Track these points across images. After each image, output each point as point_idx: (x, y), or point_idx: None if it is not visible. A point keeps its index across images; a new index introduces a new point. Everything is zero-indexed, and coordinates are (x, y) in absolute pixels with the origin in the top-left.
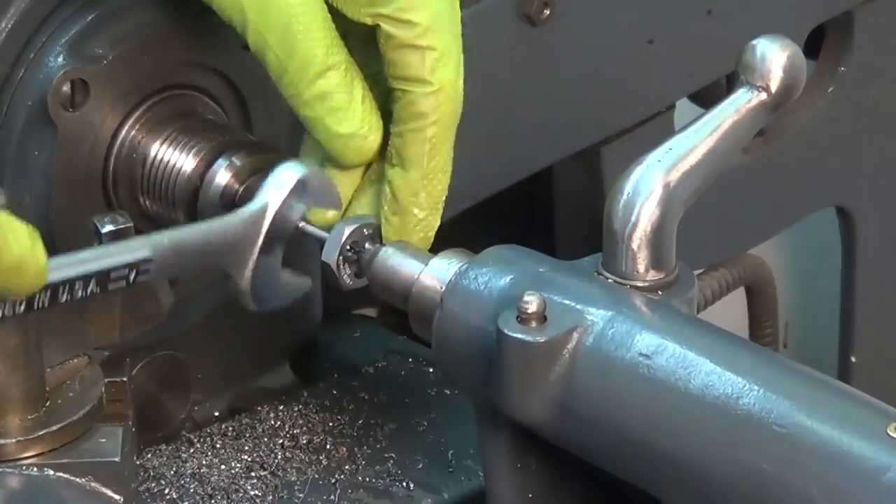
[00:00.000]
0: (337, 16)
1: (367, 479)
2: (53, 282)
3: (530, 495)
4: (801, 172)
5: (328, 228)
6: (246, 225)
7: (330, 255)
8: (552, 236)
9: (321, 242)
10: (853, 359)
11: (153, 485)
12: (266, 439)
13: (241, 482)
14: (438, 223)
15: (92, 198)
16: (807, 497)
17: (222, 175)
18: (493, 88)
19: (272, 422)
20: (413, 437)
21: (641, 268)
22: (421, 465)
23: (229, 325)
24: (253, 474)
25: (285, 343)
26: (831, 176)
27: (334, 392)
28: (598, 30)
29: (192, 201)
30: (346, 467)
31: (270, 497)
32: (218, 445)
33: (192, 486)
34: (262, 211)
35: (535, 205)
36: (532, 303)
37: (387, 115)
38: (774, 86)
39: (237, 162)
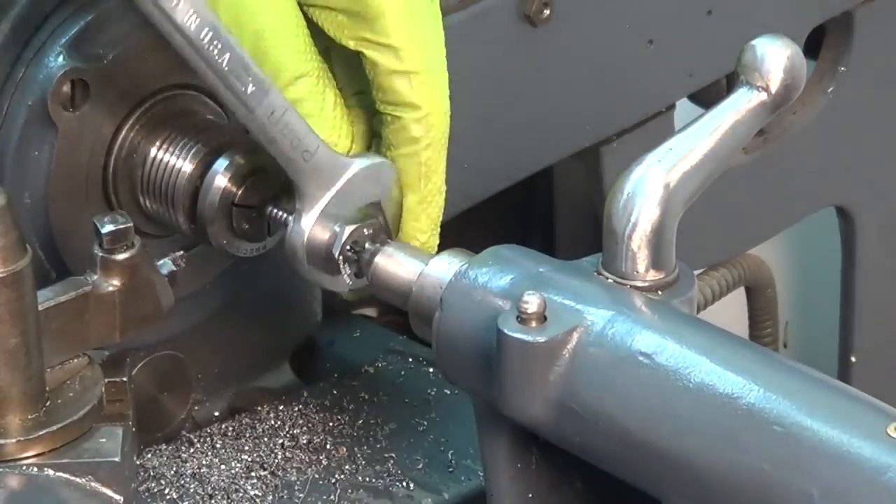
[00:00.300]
0: (321, 33)
1: (367, 479)
2: None
3: (530, 495)
4: (801, 172)
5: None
6: (332, 160)
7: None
8: (552, 236)
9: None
10: (853, 359)
11: (153, 485)
12: (266, 439)
13: (241, 482)
14: (437, 242)
15: (92, 198)
16: (807, 497)
17: (222, 175)
18: (493, 88)
19: (272, 422)
20: (413, 437)
21: (641, 268)
22: (421, 465)
23: (229, 325)
24: (253, 474)
25: (285, 343)
26: (831, 176)
27: (334, 392)
28: (598, 30)
29: (192, 201)
30: (346, 467)
31: (270, 497)
32: (218, 445)
33: (192, 486)
34: (348, 164)
35: (535, 205)
36: (532, 303)
37: (371, 135)
38: (774, 86)
39: (237, 162)
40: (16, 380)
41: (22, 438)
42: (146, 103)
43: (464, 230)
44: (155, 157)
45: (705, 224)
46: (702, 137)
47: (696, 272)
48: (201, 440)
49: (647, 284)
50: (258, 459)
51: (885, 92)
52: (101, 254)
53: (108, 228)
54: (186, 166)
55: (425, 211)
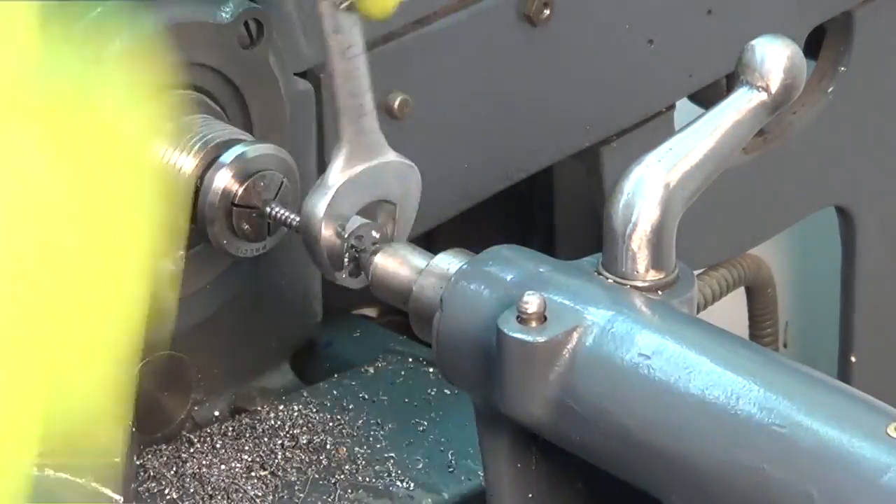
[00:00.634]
0: None
1: (367, 479)
2: None
3: (530, 495)
4: (801, 172)
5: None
6: (377, 133)
7: None
8: (552, 236)
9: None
10: (853, 359)
11: (153, 485)
12: (266, 439)
13: (241, 482)
14: None
15: None
16: (807, 497)
17: (222, 175)
18: (493, 88)
19: (272, 422)
20: (413, 437)
21: (641, 268)
22: (421, 465)
23: (229, 325)
24: (253, 474)
25: (285, 343)
26: (831, 176)
27: (334, 392)
28: (598, 30)
29: (192, 201)
30: (346, 467)
31: (270, 497)
32: (218, 445)
33: (192, 486)
34: (387, 149)
35: (535, 205)
36: (532, 303)
37: None
38: (774, 86)
39: (237, 162)
40: None
41: None
42: None
43: (464, 230)
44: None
45: (705, 224)
46: (702, 137)
47: (696, 272)
48: (201, 440)
49: (647, 284)
50: (258, 459)
51: (885, 92)
52: None
53: None
54: (186, 166)
55: None
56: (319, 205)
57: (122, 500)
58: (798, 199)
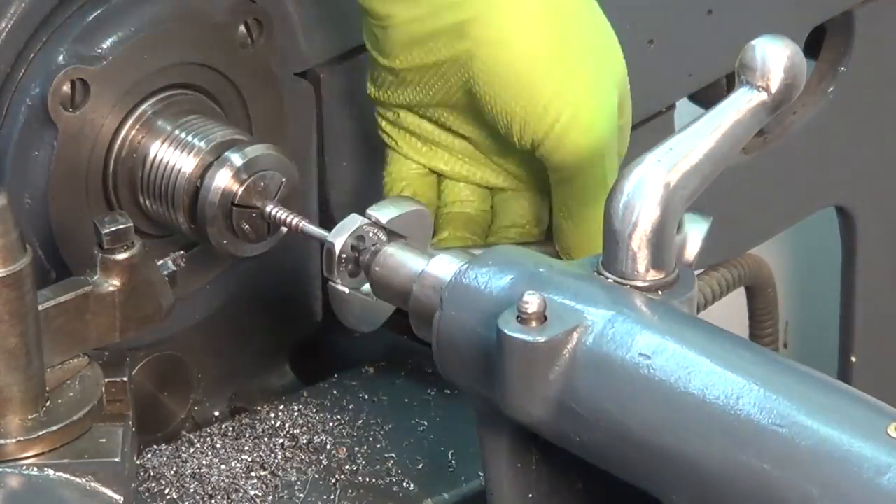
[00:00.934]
0: None
1: (367, 479)
2: None
3: (530, 495)
4: (801, 172)
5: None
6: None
7: (338, 237)
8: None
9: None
10: (853, 359)
11: (153, 485)
12: (266, 439)
13: (241, 482)
14: None
15: (92, 198)
16: (807, 497)
17: (222, 175)
18: None
19: (272, 422)
20: (413, 437)
21: (641, 268)
22: (421, 465)
23: (229, 325)
24: (253, 474)
25: (285, 343)
26: (831, 176)
27: (334, 392)
28: None
29: (192, 201)
30: (346, 467)
31: (270, 497)
32: (218, 445)
33: (192, 486)
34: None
35: None
36: (532, 303)
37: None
38: (774, 86)
39: (237, 162)
40: (16, 380)
41: (22, 438)
42: (146, 103)
43: None
44: (155, 157)
45: None
46: (702, 137)
47: (696, 272)
48: (201, 440)
49: (647, 284)
50: (258, 459)
51: (885, 92)
52: (101, 254)
53: (108, 228)
54: (186, 166)
55: None
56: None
57: (122, 500)
58: (798, 199)
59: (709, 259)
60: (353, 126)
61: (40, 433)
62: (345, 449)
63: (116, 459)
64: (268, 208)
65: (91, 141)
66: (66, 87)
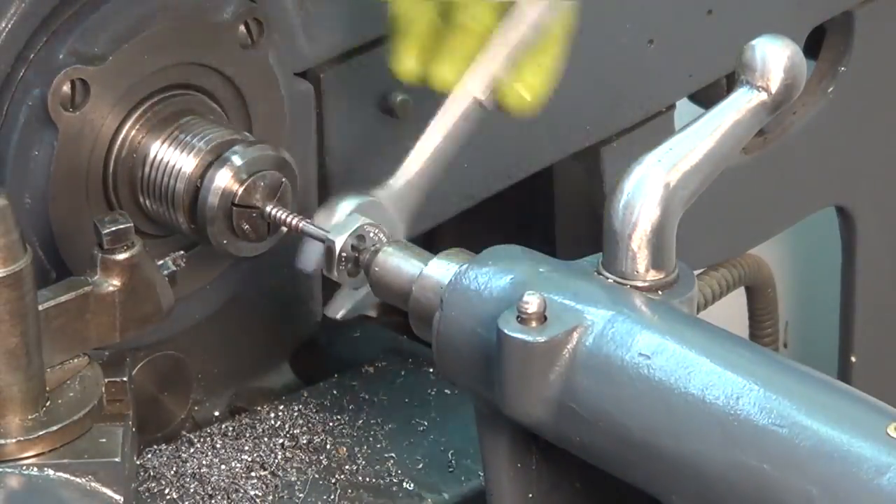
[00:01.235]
0: None
1: (367, 479)
2: None
3: (530, 495)
4: (801, 172)
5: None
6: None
7: (338, 237)
8: (552, 236)
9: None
10: (853, 359)
11: (153, 485)
12: (266, 439)
13: (241, 482)
14: None
15: (92, 198)
16: (807, 497)
17: (222, 175)
18: None
19: (272, 422)
20: (413, 437)
21: (641, 268)
22: (421, 465)
23: (229, 325)
24: (253, 474)
25: (285, 343)
26: (831, 176)
27: (334, 392)
28: (598, 30)
29: (192, 201)
30: (346, 467)
31: (270, 497)
32: (218, 445)
33: (192, 486)
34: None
35: (535, 205)
36: (532, 303)
37: None
38: (774, 86)
39: (237, 162)
40: (16, 380)
41: (22, 438)
42: (146, 103)
43: (464, 230)
44: (155, 157)
45: (705, 224)
46: (702, 137)
47: (696, 272)
48: (201, 440)
49: (647, 284)
50: (258, 459)
51: (885, 92)
52: (101, 254)
53: (108, 228)
54: (186, 166)
55: None
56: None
57: (122, 500)
58: (798, 199)
59: (709, 259)
60: (353, 126)
61: (40, 433)
62: (345, 449)
63: (116, 459)
64: (268, 208)
65: (91, 141)
66: (66, 87)
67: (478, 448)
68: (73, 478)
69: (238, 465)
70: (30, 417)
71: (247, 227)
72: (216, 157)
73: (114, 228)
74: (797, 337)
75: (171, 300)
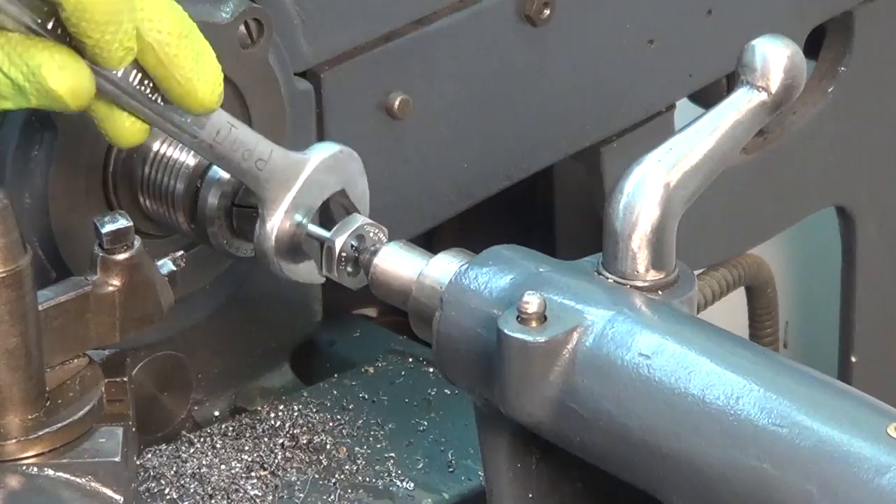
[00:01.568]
0: None
1: (367, 479)
2: None
3: (530, 495)
4: (801, 172)
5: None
6: (287, 161)
7: (338, 237)
8: (552, 236)
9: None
10: (853, 359)
11: (153, 485)
12: (266, 439)
13: (241, 482)
14: None
15: (92, 198)
16: (807, 496)
17: (222, 175)
18: (494, 88)
19: (272, 422)
20: (413, 437)
21: (641, 268)
22: (421, 465)
23: (229, 325)
24: (253, 474)
25: (285, 343)
26: (831, 176)
27: (334, 392)
28: (598, 30)
29: (192, 201)
30: (346, 467)
31: (270, 497)
32: (218, 445)
33: (192, 486)
34: (304, 162)
35: (535, 205)
36: (532, 303)
37: None
38: (774, 86)
39: None
40: (16, 380)
41: (22, 438)
42: None
43: (464, 230)
44: (155, 157)
45: (705, 224)
46: (702, 137)
47: (696, 272)
48: (201, 440)
49: (647, 284)
50: (258, 459)
51: (885, 92)
52: (101, 254)
53: (108, 228)
54: (186, 166)
55: None
56: (268, 257)
57: (122, 500)
58: (798, 199)
59: (709, 259)
60: (353, 126)
61: (40, 433)
62: (345, 449)
63: (116, 459)
64: None
65: (91, 141)
66: None
67: (478, 448)
68: (73, 478)
69: (238, 465)
70: (30, 417)
71: (247, 227)
72: None
73: (114, 228)
74: (797, 337)
75: (171, 300)
